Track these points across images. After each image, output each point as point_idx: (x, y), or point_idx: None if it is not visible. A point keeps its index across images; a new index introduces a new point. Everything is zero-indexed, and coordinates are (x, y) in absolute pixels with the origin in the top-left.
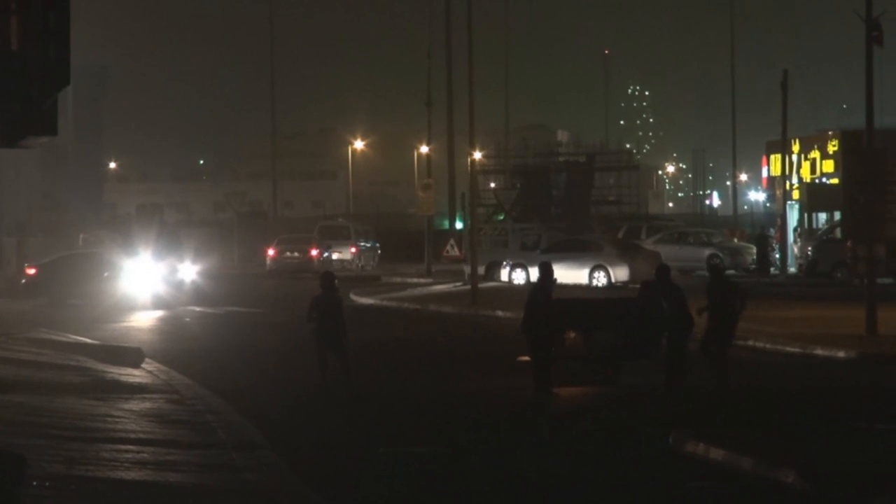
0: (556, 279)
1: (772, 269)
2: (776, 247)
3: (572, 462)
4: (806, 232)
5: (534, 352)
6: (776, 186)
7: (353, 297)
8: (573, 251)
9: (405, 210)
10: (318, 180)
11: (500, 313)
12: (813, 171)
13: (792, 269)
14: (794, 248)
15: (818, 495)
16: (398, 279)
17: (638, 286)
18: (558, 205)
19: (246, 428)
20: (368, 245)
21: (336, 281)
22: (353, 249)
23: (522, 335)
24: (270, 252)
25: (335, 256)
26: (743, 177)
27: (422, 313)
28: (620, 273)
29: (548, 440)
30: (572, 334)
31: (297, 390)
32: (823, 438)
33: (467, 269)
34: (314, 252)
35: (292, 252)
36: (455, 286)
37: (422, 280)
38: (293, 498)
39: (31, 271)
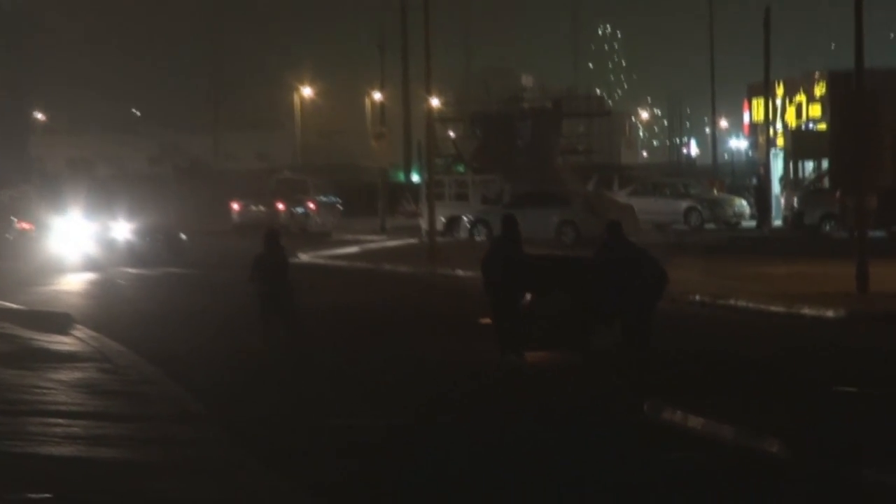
0: (520, 234)
1: (753, 222)
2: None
3: (543, 432)
4: (791, 182)
5: (497, 313)
6: (759, 133)
7: (300, 255)
8: (539, 205)
9: (357, 162)
10: (263, 131)
11: (460, 272)
12: (798, 115)
13: (777, 222)
14: (779, 200)
15: (804, 465)
16: (350, 236)
17: None
18: (523, 155)
19: (185, 399)
20: (328, 200)
21: (281, 238)
22: (312, 205)
23: (486, 295)
24: (234, 206)
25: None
26: (723, 123)
27: (375, 273)
28: (590, 228)
29: (516, 409)
30: (531, 295)
31: (240, 358)
32: (810, 405)
33: (424, 224)
34: (281, 206)
35: (257, 206)
36: (411, 243)
37: (375, 237)
38: (240, 474)
39: (26, 226)
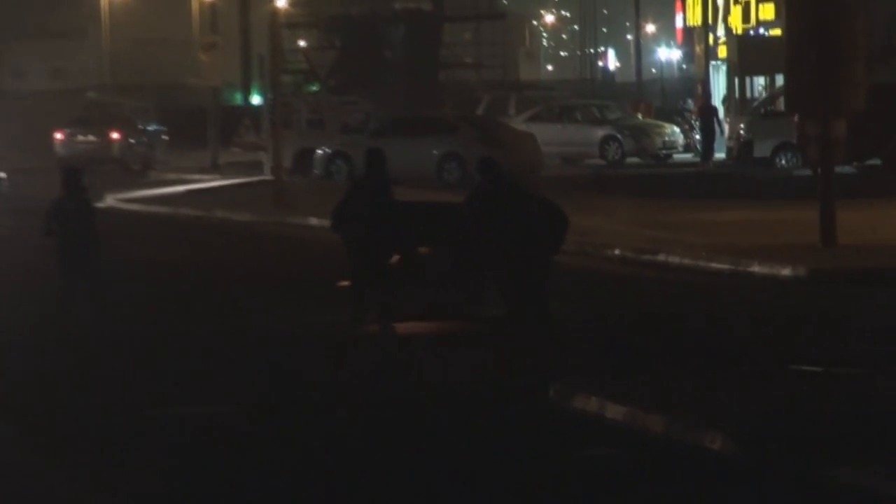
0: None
1: (689, 155)
2: (695, 124)
3: (420, 426)
4: (737, 103)
5: (358, 275)
6: (696, 41)
7: (110, 200)
8: (415, 134)
9: (183, 80)
10: (60, 40)
11: (313, 221)
12: (746, 19)
13: (720, 155)
14: (723, 126)
15: (756, 465)
16: (172, 175)
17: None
18: (393, 70)
19: None
20: (151, 129)
21: (84, 179)
22: (117, 135)
23: (345, 251)
24: (58, 136)
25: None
26: (649, 28)
27: (206, 222)
28: None
29: (386, 395)
30: (400, 253)
31: (34, 332)
32: (762, 388)
33: (268, 159)
34: (115, 135)
35: (86, 135)
36: (251, 183)
37: (205, 175)
38: (28, 480)
39: None
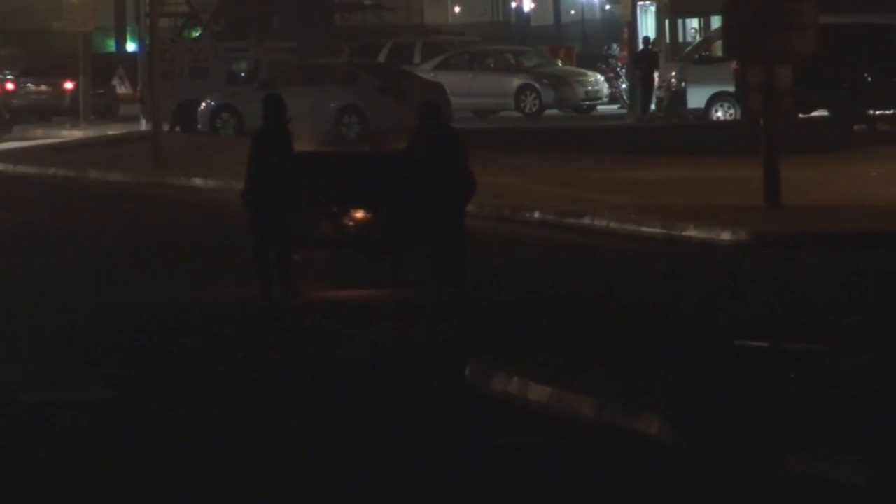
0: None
1: (615, 106)
2: (622, 73)
3: (323, 409)
4: (668, 48)
5: (259, 238)
6: None
7: None
8: (309, 83)
9: (48, 25)
10: None
11: (198, 182)
12: None
13: (651, 107)
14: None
15: (697, 452)
16: (39, 130)
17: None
18: (284, 13)
19: None
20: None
21: None
22: (11, 86)
23: (245, 212)
24: (9, 87)
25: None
26: None
27: (78, 184)
28: (382, 117)
29: (286, 374)
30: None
31: None
32: (702, 367)
33: (146, 113)
34: (69, 84)
35: (38, 84)
36: (127, 139)
37: (76, 131)
38: None
39: None
